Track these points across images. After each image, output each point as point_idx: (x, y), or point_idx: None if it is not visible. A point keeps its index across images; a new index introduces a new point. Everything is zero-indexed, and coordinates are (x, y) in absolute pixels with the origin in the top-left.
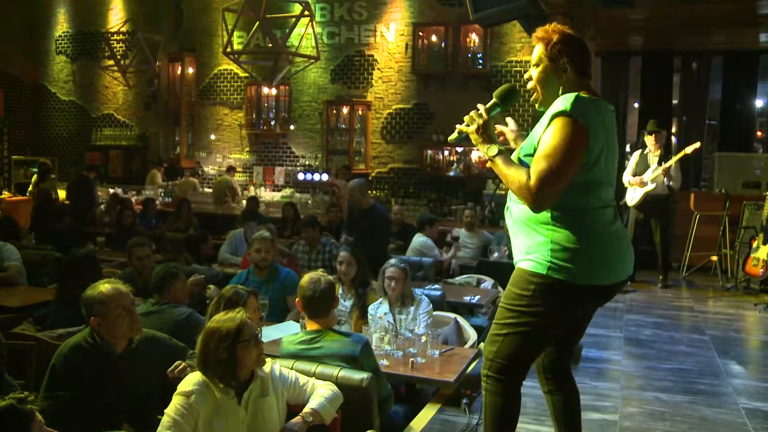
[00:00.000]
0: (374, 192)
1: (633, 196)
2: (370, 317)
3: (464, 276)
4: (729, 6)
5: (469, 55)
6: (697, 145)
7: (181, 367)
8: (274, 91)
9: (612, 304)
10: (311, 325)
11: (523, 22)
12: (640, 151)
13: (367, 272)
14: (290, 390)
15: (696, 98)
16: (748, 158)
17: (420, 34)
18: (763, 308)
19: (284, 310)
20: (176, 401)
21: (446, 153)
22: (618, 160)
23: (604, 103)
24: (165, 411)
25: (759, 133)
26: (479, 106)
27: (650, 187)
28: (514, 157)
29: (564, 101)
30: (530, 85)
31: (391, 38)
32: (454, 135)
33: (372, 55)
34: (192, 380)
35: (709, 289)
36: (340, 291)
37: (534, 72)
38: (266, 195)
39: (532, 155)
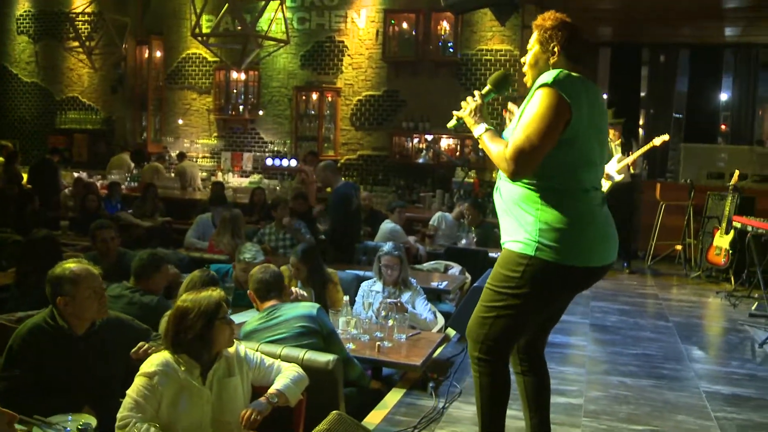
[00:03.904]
0: (343, 178)
1: None
2: (361, 292)
3: (432, 262)
4: None
5: (440, 43)
6: (666, 137)
7: (144, 348)
8: (243, 76)
9: None
10: (266, 305)
11: (494, 10)
12: None
13: (323, 272)
14: (255, 371)
15: (663, 91)
16: (713, 149)
17: (391, 21)
18: (725, 296)
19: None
20: (139, 382)
21: (415, 140)
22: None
23: (594, 85)
24: (127, 392)
25: (723, 127)
26: (475, 92)
27: (617, 178)
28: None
29: (548, 75)
30: (524, 68)
31: (361, 24)
32: (453, 122)
33: (342, 42)
34: (155, 361)
35: (673, 277)
36: (299, 285)
37: (528, 56)
38: (234, 181)
39: None
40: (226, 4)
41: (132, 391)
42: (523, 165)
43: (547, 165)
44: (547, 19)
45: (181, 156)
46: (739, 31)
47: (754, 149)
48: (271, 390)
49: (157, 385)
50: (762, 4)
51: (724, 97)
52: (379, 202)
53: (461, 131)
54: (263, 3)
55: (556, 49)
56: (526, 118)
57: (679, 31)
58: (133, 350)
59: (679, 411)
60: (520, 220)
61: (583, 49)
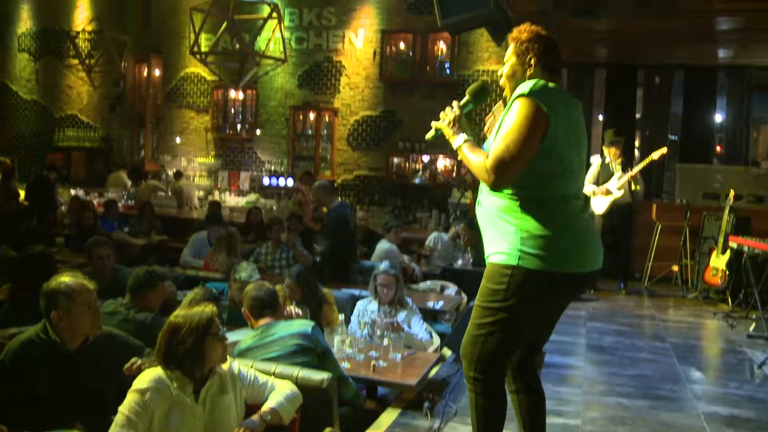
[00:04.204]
0: (339, 198)
1: (600, 205)
2: (356, 311)
3: (428, 282)
4: (689, 20)
5: (437, 64)
6: (664, 150)
7: (137, 364)
8: (240, 96)
9: (574, 311)
10: (261, 323)
11: (491, 30)
12: (600, 161)
13: (319, 292)
14: (249, 389)
15: (658, 112)
16: (708, 170)
17: (389, 41)
18: (722, 317)
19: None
20: (131, 398)
21: (412, 161)
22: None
23: (571, 96)
24: (119, 408)
25: (718, 148)
26: (454, 103)
27: (618, 194)
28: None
29: (525, 85)
30: (502, 81)
31: (359, 45)
32: (431, 133)
33: (340, 62)
34: (148, 377)
35: (670, 298)
36: (294, 303)
37: (505, 68)
38: (231, 200)
39: None
40: (225, 23)
41: (124, 408)
42: (503, 175)
43: (526, 174)
44: (522, 31)
45: (178, 175)
46: (732, 53)
47: (749, 170)
48: (265, 408)
49: (149, 402)
50: (754, 26)
51: (718, 118)
52: (375, 222)
53: None
54: (261, 22)
55: (532, 61)
56: (504, 128)
57: (673, 52)
58: (126, 366)
59: None
60: (502, 231)
61: (559, 61)
